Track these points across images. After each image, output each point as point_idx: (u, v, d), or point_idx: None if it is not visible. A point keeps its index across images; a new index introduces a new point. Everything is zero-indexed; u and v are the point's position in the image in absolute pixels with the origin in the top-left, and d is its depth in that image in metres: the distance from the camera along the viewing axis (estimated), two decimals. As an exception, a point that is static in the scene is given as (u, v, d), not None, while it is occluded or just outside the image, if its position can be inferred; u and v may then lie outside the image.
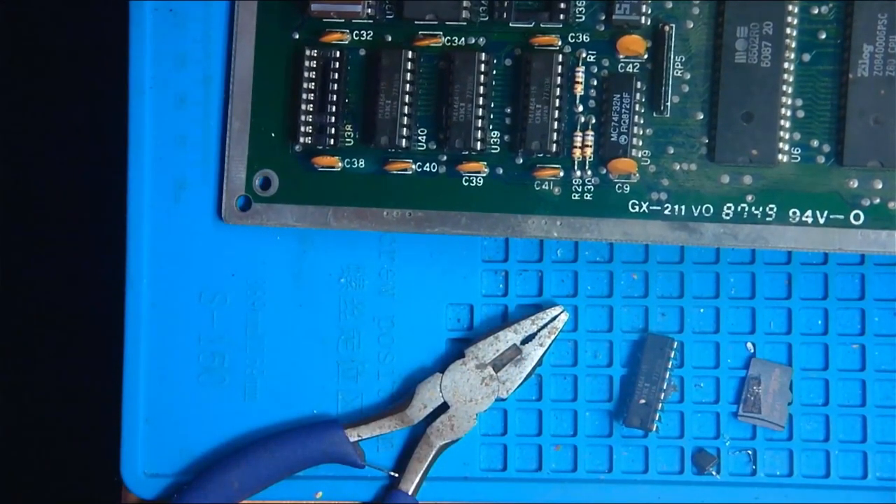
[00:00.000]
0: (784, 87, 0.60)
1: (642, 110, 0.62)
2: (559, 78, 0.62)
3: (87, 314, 1.00)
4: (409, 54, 0.64)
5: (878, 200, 0.60)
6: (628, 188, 0.62)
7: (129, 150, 0.69)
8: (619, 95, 0.62)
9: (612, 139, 0.62)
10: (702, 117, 0.62)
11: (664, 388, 0.66)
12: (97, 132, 0.94)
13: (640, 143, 0.62)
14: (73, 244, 1.03)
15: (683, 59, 0.62)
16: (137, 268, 0.69)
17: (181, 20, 0.69)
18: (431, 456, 0.67)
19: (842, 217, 0.60)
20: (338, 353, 0.69)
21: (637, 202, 0.62)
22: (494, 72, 0.64)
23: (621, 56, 0.62)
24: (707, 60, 0.61)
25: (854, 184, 0.60)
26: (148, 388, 0.69)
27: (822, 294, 0.67)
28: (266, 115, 0.66)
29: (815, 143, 0.61)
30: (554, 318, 0.67)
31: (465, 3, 0.63)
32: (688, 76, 0.62)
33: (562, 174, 0.63)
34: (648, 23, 0.62)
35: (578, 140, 0.63)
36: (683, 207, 0.62)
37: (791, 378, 0.67)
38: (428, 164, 0.65)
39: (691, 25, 0.62)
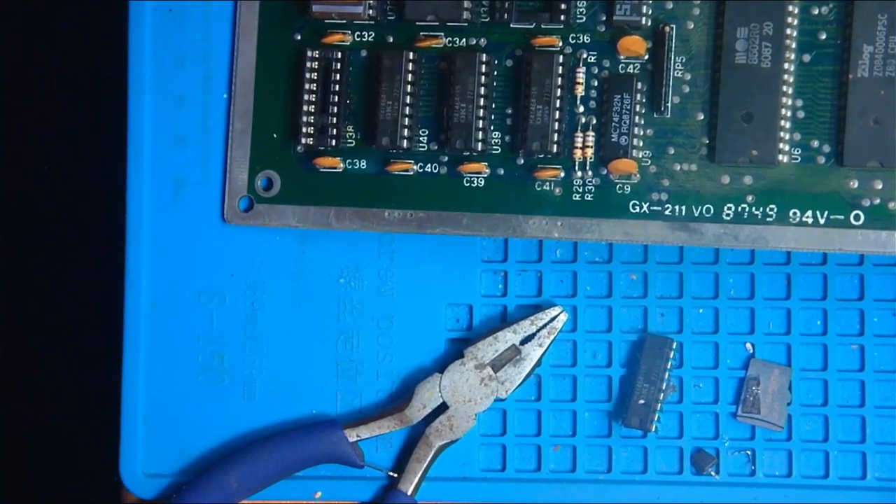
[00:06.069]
0: (784, 88, 0.60)
1: (643, 111, 0.62)
2: (560, 79, 0.62)
3: (87, 314, 1.00)
4: (411, 55, 0.64)
5: (878, 201, 0.60)
6: (629, 189, 0.63)
7: (129, 149, 0.69)
8: (619, 96, 0.62)
9: (613, 140, 0.62)
10: (702, 118, 0.62)
11: (663, 388, 0.66)
12: (97, 132, 0.94)
13: (641, 144, 0.62)
14: (73, 244, 1.02)
15: (684, 60, 0.62)
16: (136, 268, 0.69)
17: (181, 20, 0.69)
18: (430, 456, 0.67)
19: (842, 217, 0.60)
20: (337, 353, 0.69)
21: (638, 203, 0.62)
22: (495, 72, 0.64)
23: (622, 57, 0.63)
24: (707, 61, 0.62)
25: (854, 184, 0.60)
26: (147, 388, 0.69)
27: (821, 294, 0.67)
28: (268, 116, 0.66)
29: (816, 143, 0.61)
30: (553, 319, 0.67)
31: (466, 4, 0.63)
32: (688, 77, 0.62)
33: (562, 175, 0.63)
34: (649, 23, 0.62)
35: (579, 141, 0.63)
36: (684, 208, 0.62)
37: (790, 378, 0.67)
38: (429, 165, 0.65)
39: (692, 26, 0.62)
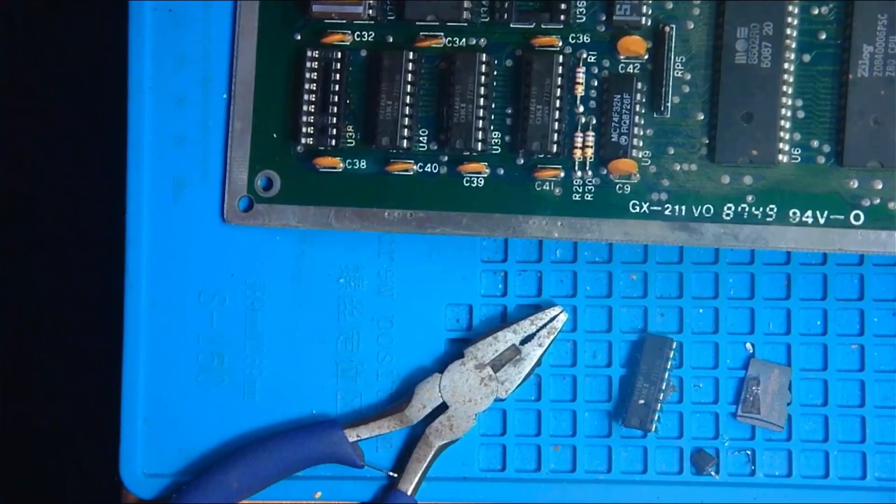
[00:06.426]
0: (784, 88, 0.60)
1: (643, 111, 0.62)
2: (560, 79, 0.62)
3: (87, 314, 1.00)
4: (411, 55, 0.64)
5: (878, 201, 0.60)
6: (629, 188, 0.62)
7: (129, 149, 0.69)
8: (619, 96, 0.62)
9: (613, 140, 0.62)
10: (702, 118, 0.62)
11: (663, 388, 0.66)
12: (97, 132, 0.94)
13: (641, 144, 0.62)
14: (73, 244, 1.03)
15: (684, 60, 0.62)
16: (136, 268, 0.69)
17: (180, 20, 0.69)
18: (430, 456, 0.67)
19: (842, 217, 0.60)
20: (337, 353, 0.69)
21: (637, 202, 0.62)
22: (495, 72, 0.64)
23: (622, 57, 0.63)
24: (707, 61, 0.62)
25: (854, 184, 0.60)
26: (147, 388, 0.69)
27: (821, 294, 0.67)
28: (268, 116, 0.66)
29: (815, 143, 0.61)
30: (553, 319, 0.67)
31: (466, 4, 0.63)
32: (688, 77, 0.62)
33: (562, 175, 0.63)
34: (649, 23, 0.62)
35: (579, 140, 0.63)
36: (684, 208, 0.62)
37: (790, 378, 0.67)
38: (429, 165, 0.65)
39: (692, 26, 0.62)
